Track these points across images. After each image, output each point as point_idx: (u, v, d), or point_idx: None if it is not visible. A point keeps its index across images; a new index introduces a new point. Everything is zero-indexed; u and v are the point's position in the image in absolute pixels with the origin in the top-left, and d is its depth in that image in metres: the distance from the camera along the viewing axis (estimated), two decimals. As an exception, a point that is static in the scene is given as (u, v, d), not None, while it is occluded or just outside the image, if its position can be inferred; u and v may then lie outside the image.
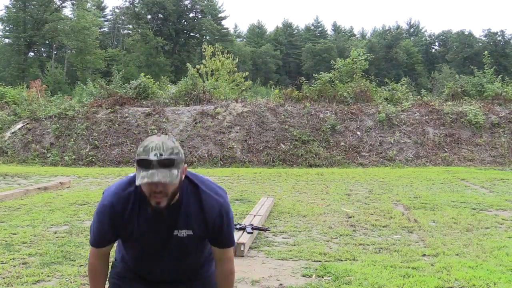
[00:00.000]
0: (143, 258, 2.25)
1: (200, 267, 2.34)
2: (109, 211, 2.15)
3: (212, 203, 2.16)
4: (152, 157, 1.94)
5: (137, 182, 1.97)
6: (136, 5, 64.00)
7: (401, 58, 68.56)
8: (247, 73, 31.44)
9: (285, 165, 16.99)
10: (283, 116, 18.90)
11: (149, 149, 1.96)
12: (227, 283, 2.27)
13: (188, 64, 24.64)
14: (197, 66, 28.02)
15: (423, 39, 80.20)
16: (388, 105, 19.73)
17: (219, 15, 69.78)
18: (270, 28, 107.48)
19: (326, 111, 19.28)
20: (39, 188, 10.84)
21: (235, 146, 17.57)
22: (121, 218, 2.14)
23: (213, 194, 2.17)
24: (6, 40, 56.64)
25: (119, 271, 2.32)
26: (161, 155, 1.94)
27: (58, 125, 18.99)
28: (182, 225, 2.15)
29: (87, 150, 18.05)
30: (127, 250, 2.29)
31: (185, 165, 2.12)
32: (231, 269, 2.27)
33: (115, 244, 2.36)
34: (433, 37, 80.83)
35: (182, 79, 22.57)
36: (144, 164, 1.95)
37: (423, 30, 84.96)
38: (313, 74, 23.95)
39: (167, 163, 1.95)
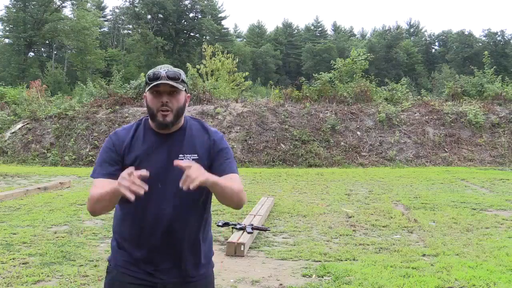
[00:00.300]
0: (145, 193, 2.04)
1: (200, 234, 2.23)
2: (113, 137, 2.24)
3: (216, 130, 2.32)
4: (161, 71, 2.15)
5: (147, 90, 2.15)
6: (136, 5, 64.01)
7: (401, 58, 68.56)
8: (247, 73, 31.44)
9: (285, 165, 16.99)
10: (283, 116, 18.90)
11: (158, 67, 2.19)
12: (234, 184, 2.17)
13: (188, 64, 24.67)
14: (197, 66, 28.02)
15: (423, 39, 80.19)
16: (388, 105, 19.73)
17: (219, 15, 69.77)
18: (270, 28, 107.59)
19: (326, 111, 19.28)
20: (39, 188, 10.84)
21: (235, 146, 17.57)
22: (124, 143, 2.20)
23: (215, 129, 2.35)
24: (6, 40, 56.64)
25: (114, 275, 2.23)
26: (169, 70, 2.16)
27: (58, 125, 18.99)
28: (187, 149, 2.19)
29: (87, 150, 18.06)
30: None
31: (189, 94, 2.26)
32: (240, 187, 2.19)
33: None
34: (433, 37, 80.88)
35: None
36: (154, 77, 2.14)
37: (423, 30, 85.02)
38: (313, 74, 23.95)
39: (174, 76, 2.14)
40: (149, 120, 2.23)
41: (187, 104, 2.25)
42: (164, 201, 2.15)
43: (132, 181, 1.89)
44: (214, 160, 2.22)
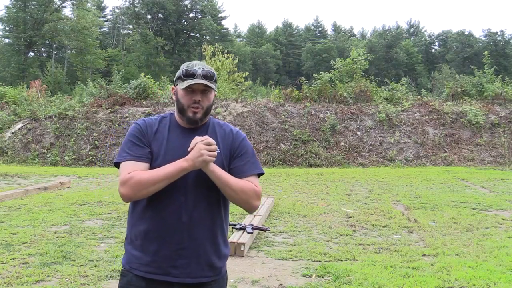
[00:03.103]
0: (167, 189, 2.10)
1: (218, 230, 2.21)
2: (141, 124, 2.25)
3: (239, 131, 2.36)
4: (196, 69, 2.18)
5: (182, 87, 2.18)
6: (136, 5, 63.98)
7: (401, 58, 68.53)
8: (247, 73, 31.44)
9: (285, 165, 16.99)
10: (283, 116, 18.90)
11: (193, 64, 2.22)
12: (246, 185, 2.17)
13: (188, 64, 24.61)
14: (197, 66, 27.96)
15: (423, 39, 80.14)
16: (388, 105, 19.74)
17: (219, 15, 69.75)
18: (270, 28, 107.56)
19: (326, 111, 19.28)
20: (39, 188, 10.84)
21: (235, 146, 17.57)
22: (152, 130, 2.22)
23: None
24: (6, 40, 56.62)
25: (130, 279, 2.18)
26: (204, 68, 2.20)
27: (58, 125, 18.99)
28: None
29: (87, 150, 18.06)
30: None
31: (216, 92, 2.30)
32: (256, 188, 2.19)
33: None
34: (433, 37, 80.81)
35: (182, 79, 22.49)
36: (189, 74, 2.18)
37: (423, 30, 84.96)
38: (313, 74, 23.95)
39: (209, 76, 2.19)
40: (176, 114, 2.26)
41: (214, 102, 2.32)
42: (184, 195, 2.14)
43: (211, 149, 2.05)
44: (235, 160, 2.23)
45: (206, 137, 2.08)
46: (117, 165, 2.19)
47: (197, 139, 2.07)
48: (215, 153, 2.05)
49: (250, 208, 2.21)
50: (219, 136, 2.26)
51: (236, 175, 2.18)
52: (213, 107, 2.29)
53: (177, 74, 2.23)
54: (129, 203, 2.21)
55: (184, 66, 2.23)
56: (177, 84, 2.22)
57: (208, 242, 2.18)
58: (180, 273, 2.14)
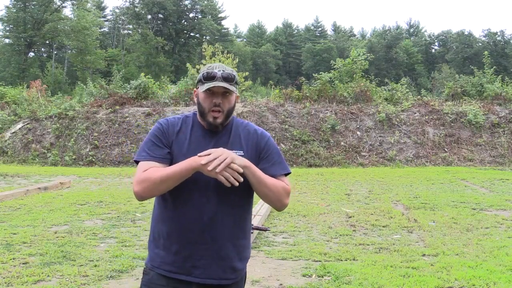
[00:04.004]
0: (188, 185, 2.12)
1: (239, 230, 2.21)
2: (164, 123, 2.26)
3: (262, 130, 2.34)
4: (217, 71, 2.17)
5: (202, 89, 2.17)
6: (136, 5, 63.96)
7: (401, 58, 68.52)
8: (247, 73, 31.39)
9: (285, 165, 16.98)
10: (283, 116, 18.90)
11: (213, 67, 2.20)
12: (280, 184, 2.20)
13: (188, 64, 24.64)
14: (197, 66, 27.96)
15: (423, 39, 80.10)
16: (388, 105, 19.74)
17: (219, 15, 69.73)
18: (270, 28, 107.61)
19: (326, 111, 19.28)
20: (39, 188, 10.85)
21: (235, 146, 17.58)
22: (175, 130, 2.23)
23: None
24: (6, 40, 56.58)
25: (151, 277, 2.19)
26: (224, 71, 2.18)
27: (58, 125, 18.99)
28: (233, 145, 2.21)
29: (87, 150, 18.06)
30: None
31: (238, 95, 2.29)
32: (287, 186, 2.22)
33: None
34: (433, 37, 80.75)
35: (182, 79, 22.54)
36: (209, 77, 2.17)
37: (423, 30, 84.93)
38: (313, 74, 23.95)
39: (229, 78, 2.17)
40: (198, 116, 2.25)
41: (236, 104, 2.30)
42: (206, 197, 2.14)
43: (232, 171, 2.01)
44: (262, 161, 2.22)
45: (223, 153, 2.03)
46: (137, 162, 2.20)
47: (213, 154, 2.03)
48: (233, 181, 2.02)
49: (281, 206, 2.23)
50: (243, 137, 2.25)
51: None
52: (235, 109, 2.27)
53: (198, 77, 2.23)
54: (143, 201, 2.22)
55: (204, 69, 2.22)
56: (198, 87, 2.21)
57: (231, 243, 2.18)
58: (201, 273, 2.14)
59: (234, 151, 2.15)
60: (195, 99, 2.25)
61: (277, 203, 2.20)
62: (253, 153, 2.21)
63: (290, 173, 2.29)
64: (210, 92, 2.16)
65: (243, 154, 2.18)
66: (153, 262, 2.20)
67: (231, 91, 2.17)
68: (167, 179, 2.06)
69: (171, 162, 2.15)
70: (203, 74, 2.19)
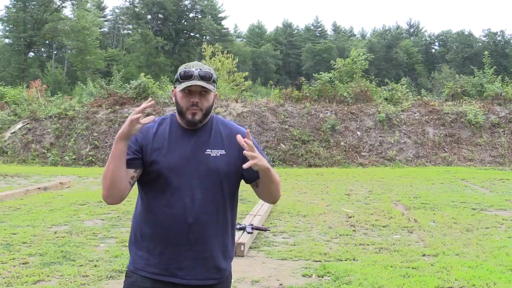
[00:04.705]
0: (171, 186, 2.12)
1: (222, 230, 2.19)
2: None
3: (240, 126, 2.33)
4: (194, 70, 2.16)
5: (180, 89, 2.16)
6: (136, 5, 63.97)
7: (401, 58, 68.50)
8: (247, 73, 31.50)
9: (285, 165, 16.99)
10: (283, 116, 18.90)
11: (190, 66, 2.20)
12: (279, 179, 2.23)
13: (188, 64, 24.61)
14: (197, 66, 27.99)
15: (423, 39, 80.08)
16: (388, 105, 19.74)
17: (219, 15, 69.74)
18: (270, 28, 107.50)
19: (326, 111, 19.28)
20: (39, 188, 10.84)
21: (235, 146, 17.57)
22: (148, 135, 2.20)
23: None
24: (6, 40, 56.62)
25: (134, 280, 2.17)
26: (201, 69, 2.17)
27: (58, 125, 18.99)
28: (214, 144, 2.21)
29: (87, 150, 18.06)
30: (154, 184, 2.16)
31: (216, 93, 2.27)
32: (280, 179, 2.24)
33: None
34: (433, 37, 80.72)
35: (182, 79, 22.46)
36: (186, 76, 2.15)
37: (423, 30, 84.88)
38: (313, 74, 23.95)
39: (207, 76, 2.16)
40: (177, 116, 2.24)
41: (214, 102, 2.29)
42: (189, 197, 2.13)
43: (138, 111, 2.00)
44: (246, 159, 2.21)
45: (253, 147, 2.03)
46: None
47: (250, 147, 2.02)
48: (139, 115, 2.00)
49: (277, 200, 2.29)
50: (224, 136, 2.24)
51: (253, 174, 2.18)
52: (213, 107, 2.26)
53: (175, 76, 2.22)
54: (116, 203, 2.18)
55: (181, 68, 2.21)
56: (176, 86, 2.20)
57: (215, 244, 2.18)
58: (185, 275, 2.13)
59: (215, 150, 2.18)
60: (174, 99, 2.24)
61: (276, 198, 2.26)
62: (235, 152, 2.20)
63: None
64: (187, 91, 2.16)
65: (224, 153, 2.19)
66: (136, 264, 2.18)
67: (208, 89, 2.16)
68: (108, 165, 2.06)
69: (143, 168, 2.15)
70: (180, 73, 2.17)
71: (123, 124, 2.03)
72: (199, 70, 2.15)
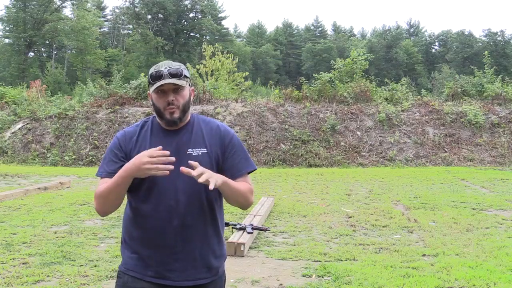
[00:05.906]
0: (155, 189, 2.12)
1: (210, 231, 2.19)
2: (120, 136, 2.25)
3: (226, 127, 2.32)
4: (163, 69, 2.15)
5: (152, 90, 2.15)
6: (136, 5, 63.96)
7: (401, 58, 68.51)
8: (247, 73, 31.44)
9: (285, 165, 16.99)
10: (283, 116, 18.90)
11: (159, 66, 2.19)
12: (246, 187, 2.21)
13: (188, 64, 24.67)
14: (197, 66, 28.02)
15: (423, 39, 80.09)
16: (388, 105, 19.73)
17: (219, 15, 69.75)
18: (270, 28, 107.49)
19: (326, 111, 19.28)
20: (39, 188, 10.84)
21: (235, 146, 17.56)
22: (132, 139, 2.21)
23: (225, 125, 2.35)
24: (6, 40, 56.60)
25: (125, 280, 2.18)
26: (170, 67, 2.16)
27: (58, 125, 18.99)
28: (195, 143, 2.20)
29: (87, 150, 18.06)
30: (139, 188, 2.16)
31: (192, 88, 2.29)
32: (249, 187, 2.23)
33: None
34: (433, 37, 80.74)
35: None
36: (157, 76, 2.14)
37: (423, 30, 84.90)
38: (313, 74, 23.94)
39: (176, 73, 2.15)
40: (157, 118, 2.23)
41: (192, 98, 2.28)
42: (174, 199, 2.13)
43: (158, 160, 1.97)
44: (228, 159, 2.22)
45: (200, 170, 1.98)
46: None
47: (196, 171, 1.99)
48: (164, 167, 1.98)
49: (248, 206, 2.26)
50: (205, 134, 2.23)
51: (231, 174, 2.19)
52: (191, 103, 2.26)
53: (147, 79, 2.22)
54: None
55: (151, 69, 2.20)
56: (150, 88, 2.19)
57: (204, 244, 2.18)
58: (177, 277, 2.14)
59: (196, 149, 2.18)
60: (150, 101, 2.23)
61: (245, 205, 2.23)
62: (217, 151, 2.21)
63: (256, 169, 2.30)
64: (160, 91, 2.15)
65: (206, 151, 2.18)
66: (127, 265, 2.19)
67: (181, 86, 2.16)
68: (110, 191, 2.08)
69: None
70: (150, 74, 2.17)
71: (142, 163, 1.99)
72: (168, 68, 2.15)
